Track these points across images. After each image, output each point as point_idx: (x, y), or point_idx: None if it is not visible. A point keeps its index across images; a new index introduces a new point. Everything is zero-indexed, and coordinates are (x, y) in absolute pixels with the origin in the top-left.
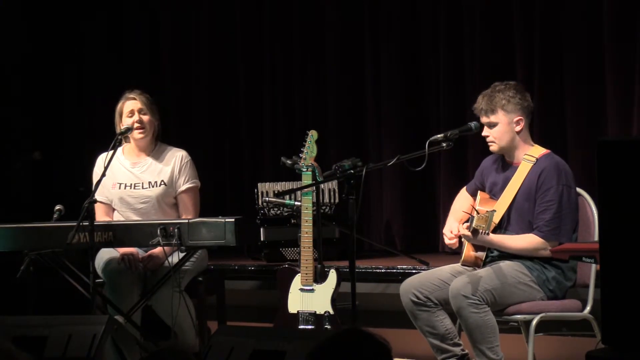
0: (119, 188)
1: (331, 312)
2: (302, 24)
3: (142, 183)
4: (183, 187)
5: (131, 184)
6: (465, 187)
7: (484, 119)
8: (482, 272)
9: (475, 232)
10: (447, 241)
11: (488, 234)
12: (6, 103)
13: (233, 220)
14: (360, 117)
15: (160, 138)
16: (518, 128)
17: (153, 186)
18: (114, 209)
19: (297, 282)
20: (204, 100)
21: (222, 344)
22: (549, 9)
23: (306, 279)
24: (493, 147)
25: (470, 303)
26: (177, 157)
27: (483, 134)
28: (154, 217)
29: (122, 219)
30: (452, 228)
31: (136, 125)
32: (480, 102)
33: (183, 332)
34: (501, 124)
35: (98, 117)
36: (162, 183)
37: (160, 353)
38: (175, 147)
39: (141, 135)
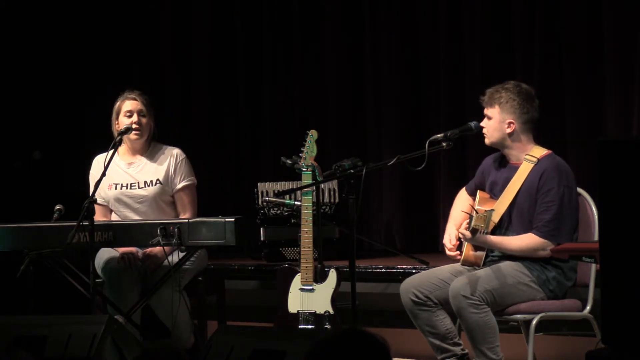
0: (115, 188)
1: (331, 311)
2: (302, 23)
3: (138, 183)
4: (179, 185)
5: (127, 184)
6: (464, 188)
7: (485, 110)
8: (481, 272)
9: (474, 231)
10: (447, 252)
11: (487, 233)
12: (6, 103)
13: (233, 220)
14: (360, 117)
15: (158, 138)
16: (509, 130)
17: (149, 185)
18: (111, 211)
19: (297, 282)
20: (204, 100)
21: (222, 344)
22: (549, 9)
23: (306, 279)
24: (485, 140)
25: (471, 303)
26: (171, 156)
27: (481, 124)
28: (152, 216)
29: (120, 219)
30: (451, 237)
31: (134, 126)
32: (486, 93)
33: (178, 328)
34: (494, 120)
35: (97, 117)
36: (158, 182)
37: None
38: (170, 146)
39: (136, 137)
